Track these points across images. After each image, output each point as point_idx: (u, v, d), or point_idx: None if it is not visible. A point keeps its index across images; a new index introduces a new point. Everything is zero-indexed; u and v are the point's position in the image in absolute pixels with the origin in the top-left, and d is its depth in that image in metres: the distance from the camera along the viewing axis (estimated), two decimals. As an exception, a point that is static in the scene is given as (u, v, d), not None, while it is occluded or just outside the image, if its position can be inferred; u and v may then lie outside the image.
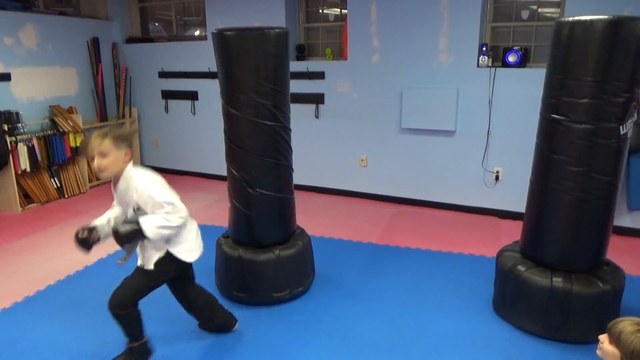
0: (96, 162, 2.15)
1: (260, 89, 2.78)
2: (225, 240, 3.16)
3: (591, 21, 2.38)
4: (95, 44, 5.98)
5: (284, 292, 3.05)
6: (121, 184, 2.23)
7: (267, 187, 2.95)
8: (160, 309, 2.97)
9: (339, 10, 5.41)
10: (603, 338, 1.69)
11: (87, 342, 2.71)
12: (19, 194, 4.99)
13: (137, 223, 2.16)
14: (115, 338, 2.73)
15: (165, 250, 2.32)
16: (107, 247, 4.00)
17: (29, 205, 5.13)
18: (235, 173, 2.97)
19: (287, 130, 3.01)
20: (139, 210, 2.23)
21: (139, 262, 2.38)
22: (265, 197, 2.97)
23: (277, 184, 3.00)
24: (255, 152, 2.88)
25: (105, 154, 2.14)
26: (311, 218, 4.53)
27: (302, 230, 3.35)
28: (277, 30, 2.78)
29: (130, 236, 2.18)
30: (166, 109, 6.30)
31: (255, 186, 2.93)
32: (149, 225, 2.16)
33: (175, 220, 2.18)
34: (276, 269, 2.98)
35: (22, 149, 4.96)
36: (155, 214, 2.18)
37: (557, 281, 2.64)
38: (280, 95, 2.88)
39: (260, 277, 2.99)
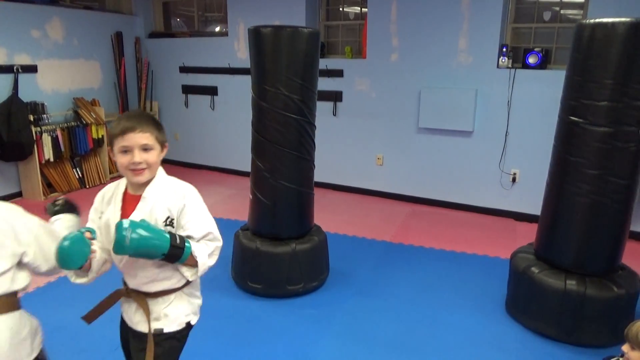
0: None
1: (289, 83, 2.89)
2: (243, 233, 3.23)
3: (612, 23, 2.37)
4: (118, 38, 6.10)
5: (298, 286, 3.10)
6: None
7: (288, 180, 3.03)
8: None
9: (359, 8, 5.43)
10: (626, 348, 1.66)
11: (105, 328, 2.77)
12: (42, 183, 5.13)
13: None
14: (133, 325, 2.82)
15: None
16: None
17: (52, 194, 5.26)
18: (259, 164, 3.06)
19: (312, 126, 3.09)
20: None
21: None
22: (286, 189, 3.04)
23: (298, 177, 3.07)
24: (281, 144, 2.96)
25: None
26: (327, 215, 4.57)
27: (319, 228, 3.42)
28: (310, 30, 2.92)
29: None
30: (186, 104, 6.39)
31: (277, 178, 3.01)
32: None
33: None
34: (292, 262, 3.04)
35: (47, 139, 5.09)
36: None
37: (571, 284, 2.63)
38: (308, 91, 2.98)
39: (276, 269, 3.05)
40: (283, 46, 2.85)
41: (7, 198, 4.98)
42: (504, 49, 4.52)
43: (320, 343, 2.69)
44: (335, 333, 2.78)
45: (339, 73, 5.30)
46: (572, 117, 2.60)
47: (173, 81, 6.41)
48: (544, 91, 4.38)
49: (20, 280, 1.51)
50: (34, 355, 1.59)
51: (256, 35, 2.91)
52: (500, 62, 4.55)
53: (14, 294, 1.49)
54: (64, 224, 1.71)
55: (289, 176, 3.03)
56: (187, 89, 6.33)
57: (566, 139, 2.65)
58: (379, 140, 5.28)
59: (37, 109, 5.09)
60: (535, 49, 4.40)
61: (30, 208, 4.76)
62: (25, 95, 5.01)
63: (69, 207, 1.80)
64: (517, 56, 4.58)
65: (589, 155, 2.54)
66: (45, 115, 5.15)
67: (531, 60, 4.41)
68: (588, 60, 2.49)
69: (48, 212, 1.78)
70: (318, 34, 2.99)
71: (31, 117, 4.93)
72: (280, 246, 3.06)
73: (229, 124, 6.11)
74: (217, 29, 6.49)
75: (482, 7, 4.51)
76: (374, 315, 2.98)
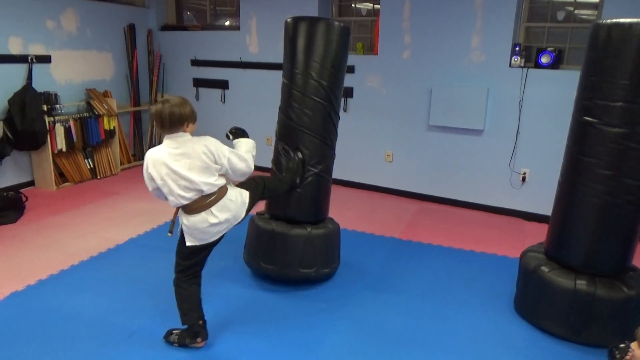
0: None
1: (321, 71, 3.01)
2: (259, 217, 3.29)
3: (630, 24, 2.37)
4: (131, 30, 6.13)
5: (311, 270, 3.13)
6: None
7: (311, 164, 3.10)
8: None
9: (371, 5, 5.43)
10: (634, 346, 1.69)
11: (118, 316, 2.84)
12: (54, 172, 5.18)
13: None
14: (144, 313, 2.86)
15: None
16: (137, 228, 4.17)
17: (64, 184, 5.32)
18: (284, 147, 3.14)
19: (337, 115, 3.19)
20: None
21: None
22: (308, 172, 3.11)
23: (320, 162, 3.14)
24: (307, 127, 3.06)
25: None
26: (336, 210, 4.55)
27: (332, 219, 3.46)
28: (342, 24, 3.07)
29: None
30: (197, 97, 6.42)
31: None
32: None
33: None
34: (306, 245, 3.10)
35: (59, 130, 5.14)
36: None
37: (581, 284, 2.64)
38: (337, 80, 3.11)
39: (290, 251, 3.10)
40: (317, 36, 2.99)
41: (19, 187, 5.03)
42: (517, 48, 4.51)
43: (328, 335, 2.71)
44: (343, 327, 2.81)
45: (350, 69, 5.29)
46: (586, 118, 2.60)
47: (184, 74, 6.43)
48: (556, 91, 4.37)
49: (223, 180, 2.44)
50: (247, 210, 2.57)
51: (293, 26, 3.05)
52: (512, 61, 4.54)
53: (224, 185, 2.44)
54: (245, 146, 2.62)
55: (312, 160, 3.10)
56: (198, 82, 6.35)
57: (580, 139, 2.65)
58: (389, 136, 5.28)
59: (50, 99, 5.13)
60: (548, 49, 4.39)
61: (42, 197, 4.82)
62: (39, 85, 5.06)
63: (242, 132, 2.73)
64: (529, 55, 4.57)
65: (603, 155, 2.54)
66: (58, 106, 5.20)
67: (544, 59, 4.40)
68: (604, 61, 2.49)
69: (230, 140, 2.71)
70: (349, 29, 3.12)
71: (45, 107, 4.98)
72: (296, 228, 3.12)
73: (239, 118, 6.12)
74: (227, 22, 6.50)
75: (496, 5, 4.50)
76: (383, 310, 3.00)
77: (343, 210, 4.75)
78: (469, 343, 2.70)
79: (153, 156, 2.32)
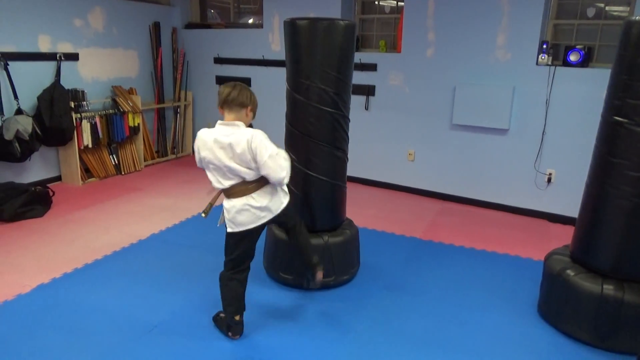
0: None
1: (325, 76, 2.87)
2: (275, 225, 3.25)
3: (665, 21, 2.28)
4: (156, 28, 6.21)
5: (329, 278, 3.10)
6: None
7: (321, 173, 3.04)
8: (199, 290, 3.11)
9: (395, 2, 5.37)
10: None
11: (140, 310, 2.88)
12: (80, 168, 5.28)
13: None
14: (166, 307, 2.89)
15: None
16: (159, 224, 4.22)
17: (89, 180, 5.43)
18: (292, 156, 3.04)
19: (346, 119, 3.08)
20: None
21: None
22: (319, 182, 3.05)
23: (331, 170, 3.08)
24: (315, 137, 2.97)
25: None
26: (356, 209, 4.56)
27: (351, 221, 3.41)
28: (346, 22, 2.88)
29: None
30: (220, 94, 6.46)
31: (310, 170, 3.02)
32: None
33: None
34: (324, 254, 3.05)
35: (86, 126, 5.24)
36: None
37: (608, 288, 2.56)
38: (343, 84, 2.96)
39: None
40: (319, 39, 2.82)
41: (47, 182, 5.15)
42: (544, 46, 4.40)
43: (348, 336, 2.70)
44: (363, 327, 2.79)
45: (372, 67, 5.27)
46: (616, 117, 2.52)
47: (207, 72, 6.49)
48: (584, 90, 4.25)
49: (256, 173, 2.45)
50: (286, 201, 2.64)
51: (292, 28, 2.90)
52: (539, 59, 4.43)
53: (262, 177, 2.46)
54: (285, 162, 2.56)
55: (322, 169, 3.03)
56: (221, 80, 6.40)
57: (609, 140, 2.57)
58: (411, 135, 5.23)
59: (77, 96, 5.24)
60: (577, 47, 4.27)
61: (68, 192, 4.93)
62: (66, 83, 5.17)
63: None
64: (557, 53, 4.46)
65: (633, 156, 2.46)
66: (85, 103, 5.30)
67: (572, 57, 4.29)
68: (636, 59, 2.41)
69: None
70: (354, 27, 2.94)
71: (72, 104, 5.08)
72: (313, 238, 3.06)
73: (261, 116, 6.09)
74: (250, 20, 6.53)
75: (523, 2, 4.40)
76: (403, 311, 2.97)
77: (364, 209, 4.72)
78: (490, 346, 2.65)
79: (203, 137, 2.42)
